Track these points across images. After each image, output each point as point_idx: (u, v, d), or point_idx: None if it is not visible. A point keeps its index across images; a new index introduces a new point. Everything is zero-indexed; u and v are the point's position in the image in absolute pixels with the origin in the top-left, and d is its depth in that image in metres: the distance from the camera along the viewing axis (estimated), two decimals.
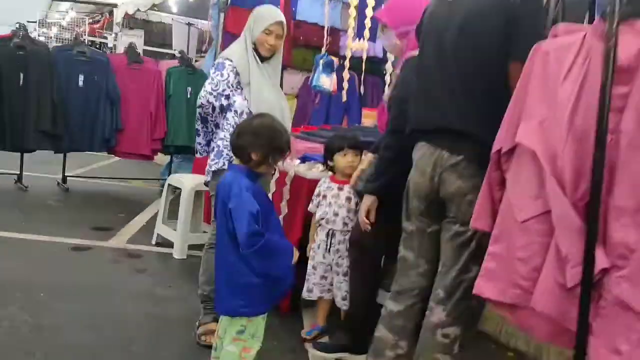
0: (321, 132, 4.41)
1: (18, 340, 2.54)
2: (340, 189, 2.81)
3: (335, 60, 4.94)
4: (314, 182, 3.07)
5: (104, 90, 5.77)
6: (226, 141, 2.69)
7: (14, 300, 2.93)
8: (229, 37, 7.06)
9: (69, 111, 5.62)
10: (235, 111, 2.77)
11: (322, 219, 2.80)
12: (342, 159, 2.79)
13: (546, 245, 1.52)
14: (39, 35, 12.54)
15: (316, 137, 4.07)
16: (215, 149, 2.77)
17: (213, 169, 2.76)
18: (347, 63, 4.73)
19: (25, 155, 5.80)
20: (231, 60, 2.77)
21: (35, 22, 13.01)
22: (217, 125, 2.82)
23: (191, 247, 4.02)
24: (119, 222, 4.82)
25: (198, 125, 2.87)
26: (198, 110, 2.80)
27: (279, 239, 2.05)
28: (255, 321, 2.04)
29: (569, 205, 1.45)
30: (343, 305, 2.79)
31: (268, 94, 2.76)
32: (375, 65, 6.67)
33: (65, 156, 6.04)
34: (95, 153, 6.46)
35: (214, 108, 2.72)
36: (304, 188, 3.08)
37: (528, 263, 1.55)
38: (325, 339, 2.85)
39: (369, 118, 4.85)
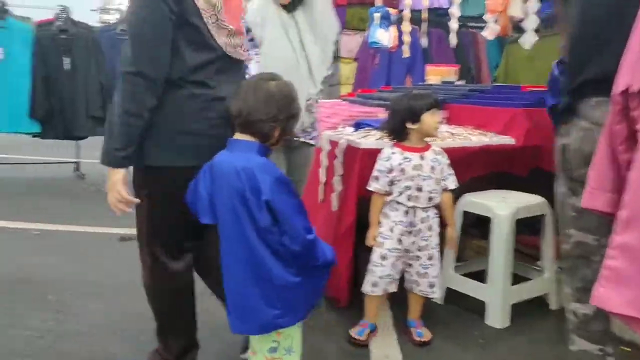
0: (380, 94, 3.89)
1: (37, 350, 2.27)
2: (422, 158, 2.32)
3: (394, 11, 4.33)
4: (368, 153, 2.57)
5: None
6: None
7: (45, 304, 2.69)
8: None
9: None
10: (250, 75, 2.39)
11: (401, 195, 2.31)
12: (432, 119, 2.29)
13: None
14: (101, 23, 12.66)
15: (374, 100, 3.55)
16: None
17: None
18: (406, 13, 4.14)
19: (85, 141, 5.69)
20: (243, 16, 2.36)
21: (96, 10, 13.07)
22: None
23: None
24: None
25: None
26: None
27: None
28: (288, 332, 1.63)
29: None
30: (431, 293, 2.39)
31: (283, 51, 2.27)
32: (440, 17, 5.99)
33: None
34: None
35: None
36: (357, 160, 2.58)
37: None
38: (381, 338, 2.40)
39: (434, 75, 4.25)
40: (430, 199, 2.32)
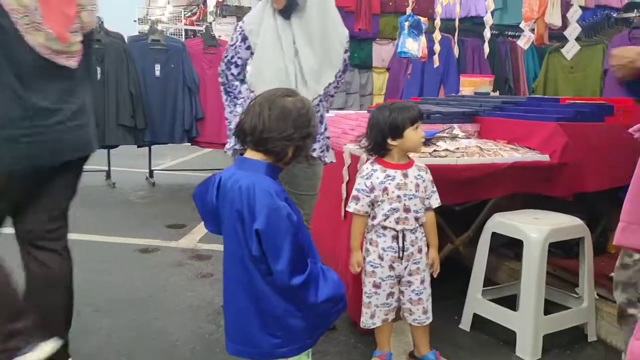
0: None
1: None
2: (405, 175, 2.14)
3: (424, 20, 4.17)
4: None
5: (181, 78, 5.53)
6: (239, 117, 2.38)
7: None
8: None
9: (147, 103, 5.43)
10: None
11: (388, 219, 2.13)
12: (415, 135, 2.12)
13: None
14: (139, 32, 12.93)
15: None
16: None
17: (228, 147, 2.45)
18: (437, 22, 3.99)
19: (119, 149, 5.73)
20: (243, 21, 2.38)
21: (135, 20, 13.35)
22: (236, 98, 2.46)
23: None
24: (196, 217, 4.43)
25: (224, 100, 2.47)
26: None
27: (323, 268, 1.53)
28: None
29: None
30: (426, 320, 2.22)
31: (273, 56, 2.24)
32: (477, 25, 5.81)
33: (150, 149, 5.92)
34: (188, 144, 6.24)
35: (227, 78, 2.39)
36: None
37: None
38: None
39: (468, 86, 4.07)
40: (417, 219, 2.14)
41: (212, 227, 1.62)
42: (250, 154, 1.51)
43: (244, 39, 2.34)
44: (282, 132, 1.46)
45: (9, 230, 1.95)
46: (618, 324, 1.72)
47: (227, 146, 2.47)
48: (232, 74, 2.37)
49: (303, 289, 1.43)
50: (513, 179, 2.59)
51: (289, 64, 2.20)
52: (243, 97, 2.34)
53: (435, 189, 2.22)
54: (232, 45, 2.38)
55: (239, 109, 2.35)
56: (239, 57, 2.36)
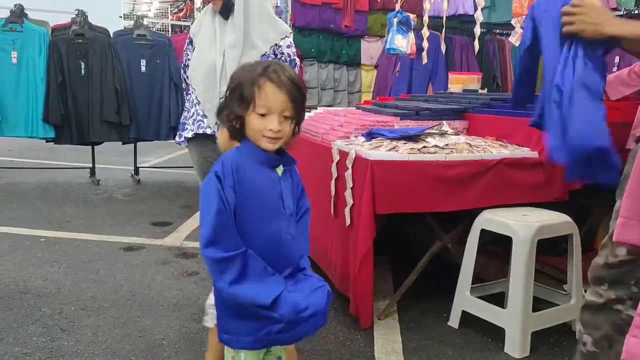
0: (397, 102, 3.71)
1: None
2: None
3: (413, 16, 4.15)
4: (380, 165, 2.41)
5: (167, 74, 5.46)
6: (195, 115, 2.48)
7: (38, 317, 2.57)
8: (299, 6, 6.55)
9: (132, 99, 5.35)
10: None
11: None
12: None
13: None
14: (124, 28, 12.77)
15: (390, 108, 3.38)
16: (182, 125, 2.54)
17: (178, 140, 2.55)
18: (425, 19, 3.98)
19: (103, 146, 5.64)
20: (190, 28, 2.56)
21: (121, 16, 13.18)
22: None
23: None
24: (182, 215, 4.46)
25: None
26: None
27: (259, 269, 1.35)
28: (236, 355, 1.43)
29: None
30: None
31: (207, 54, 2.34)
32: (466, 23, 5.82)
33: (135, 146, 5.84)
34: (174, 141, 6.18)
35: (185, 81, 2.50)
36: (367, 172, 2.41)
37: None
38: None
39: (457, 83, 4.06)
40: None
41: None
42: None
43: (190, 42, 2.47)
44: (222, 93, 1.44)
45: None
46: (587, 311, 1.73)
47: (177, 139, 2.58)
48: (187, 76, 2.47)
49: (218, 266, 1.32)
50: (504, 188, 2.58)
51: (219, 60, 2.29)
52: (190, 98, 2.44)
53: None
54: (185, 49, 2.52)
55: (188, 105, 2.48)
56: (188, 59, 2.46)
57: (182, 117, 2.55)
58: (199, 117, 2.43)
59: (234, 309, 1.36)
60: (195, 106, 2.45)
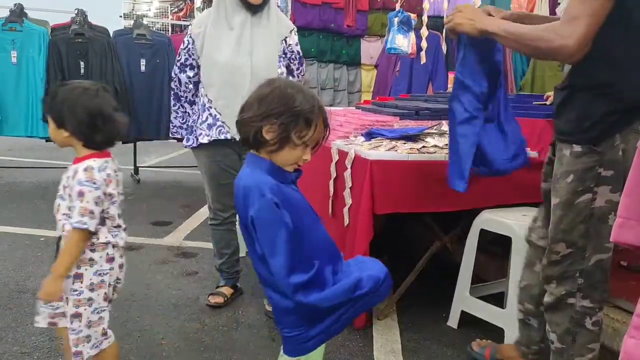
0: (397, 102, 3.71)
1: None
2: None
3: (413, 16, 4.14)
4: (379, 164, 2.40)
5: (167, 73, 5.44)
6: (195, 116, 2.54)
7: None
8: (299, 6, 6.54)
9: (132, 99, 5.35)
10: (202, 82, 2.50)
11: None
12: None
13: None
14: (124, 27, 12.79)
15: (389, 108, 3.38)
16: (190, 128, 2.58)
17: (186, 145, 2.61)
18: (425, 18, 3.97)
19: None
20: (192, 24, 2.52)
21: (121, 16, 13.19)
22: (191, 103, 2.56)
23: None
24: (182, 215, 4.46)
25: (171, 103, 2.61)
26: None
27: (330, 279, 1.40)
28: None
29: None
30: None
31: (227, 56, 2.30)
32: None
33: (135, 146, 5.84)
34: (174, 141, 6.14)
35: (179, 81, 2.48)
36: (367, 172, 2.41)
37: None
38: None
39: None
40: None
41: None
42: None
43: (192, 42, 2.40)
44: (256, 112, 1.36)
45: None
46: (549, 311, 1.82)
47: (185, 143, 2.62)
48: (187, 77, 2.43)
49: (304, 289, 1.32)
50: (503, 188, 2.57)
51: (244, 60, 2.26)
52: (199, 101, 2.46)
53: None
54: (184, 49, 2.44)
55: (196, 107, 2.50)
56: (193, 59, 2.41)
57: (191, 121, 2.51)
58: (218, 123, 2.38)
59: (314, 315, 1.39)
60: (208, 110, 2.40)
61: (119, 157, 1.77)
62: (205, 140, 2.39)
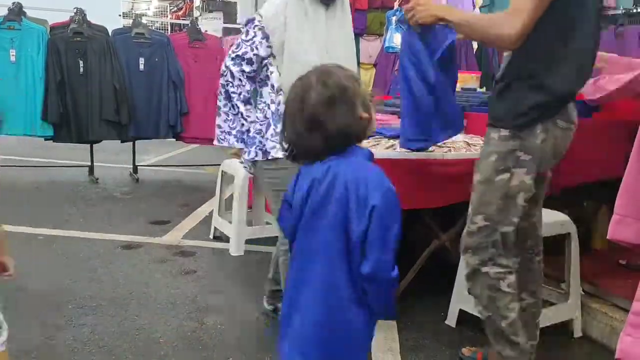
0: (395, 101, 3.70)
1: None
2: None
3: None
4: (378, 163, 2.39)
5: (166, 72, 5.45)
6: (259, 124, 2.22)
7: (37, 317, 2.57)
8: None
9: (131, 98, 5.34)
10: (272, 85, 2.22)
11: None
12: None
13: None
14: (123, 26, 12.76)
15: (388, 106, 3.38)
16: (247, 135, 2.24)
17: (246, 158, 2.27)
18: None
19: (102, 144, 5.63)
20: (261, 16, 2.17)
21: (120, 15, 13.19)
22: (246, 102, 2.22)
23: (251, 241, 3.57)
24: (181, 214, 4.45)
25: (219, 102, 2.25)
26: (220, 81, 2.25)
27: None
28: None
29: None
30: None
31: (310, 56, 2.06)
32: None
33: (134, 145, 5.82)
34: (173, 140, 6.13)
35: (232, 75, 2.17)
36: None
37: None
38: None
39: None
40: None
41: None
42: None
43: (264, 34, 2.14)
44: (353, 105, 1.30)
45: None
46: (469, 282, 1.99)
47: (246, 157, 2.25)
48: (241, 71, 2.15)
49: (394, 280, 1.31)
50: None
51: (319, 60, 1.92)
52: (265, 102, 2.20)
53: None
54: (247, 41, 2.15)
55: (259, 115, 2.21)
56: (255, 54, 2.15)
57: (250, 127, 2.21)
58: None
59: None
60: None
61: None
62: (279, 154, 2.09)
